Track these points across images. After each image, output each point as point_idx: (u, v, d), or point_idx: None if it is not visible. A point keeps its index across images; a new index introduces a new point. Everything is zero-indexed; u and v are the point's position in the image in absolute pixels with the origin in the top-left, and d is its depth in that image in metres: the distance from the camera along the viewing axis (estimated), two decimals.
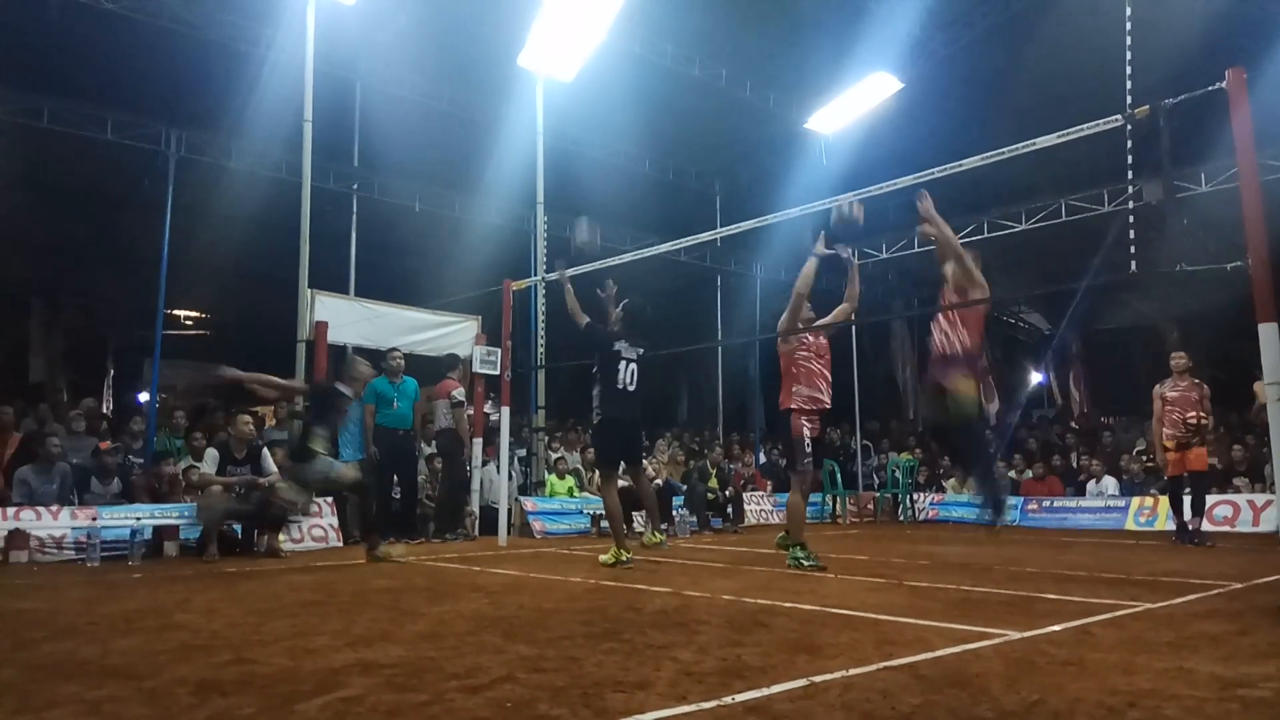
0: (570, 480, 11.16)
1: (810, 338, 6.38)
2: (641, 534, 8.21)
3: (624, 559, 6.23)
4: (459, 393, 9.32)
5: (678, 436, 14.78)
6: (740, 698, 2.44)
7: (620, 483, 6.88)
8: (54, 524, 7.06)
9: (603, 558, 6.35)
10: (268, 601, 4.51)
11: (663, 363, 6.47)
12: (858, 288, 6.65)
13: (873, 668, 2.80)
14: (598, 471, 9.38)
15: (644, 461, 8.22)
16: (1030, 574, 5.76)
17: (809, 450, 6.21)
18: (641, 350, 6.67)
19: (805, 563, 6.08)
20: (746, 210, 8.86)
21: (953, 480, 14.06)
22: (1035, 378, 21.56)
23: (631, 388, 6.55)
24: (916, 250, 14.91)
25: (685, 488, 11.44)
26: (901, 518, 13.41)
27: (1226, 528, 9.91)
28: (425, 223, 13.70)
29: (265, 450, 7.74)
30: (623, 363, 6.53)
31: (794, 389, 6.28)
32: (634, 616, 3.90)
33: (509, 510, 8.48)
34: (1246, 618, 3.82)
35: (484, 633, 3.49)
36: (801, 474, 6.31)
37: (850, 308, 6.69)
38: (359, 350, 10.26)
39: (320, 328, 9.26)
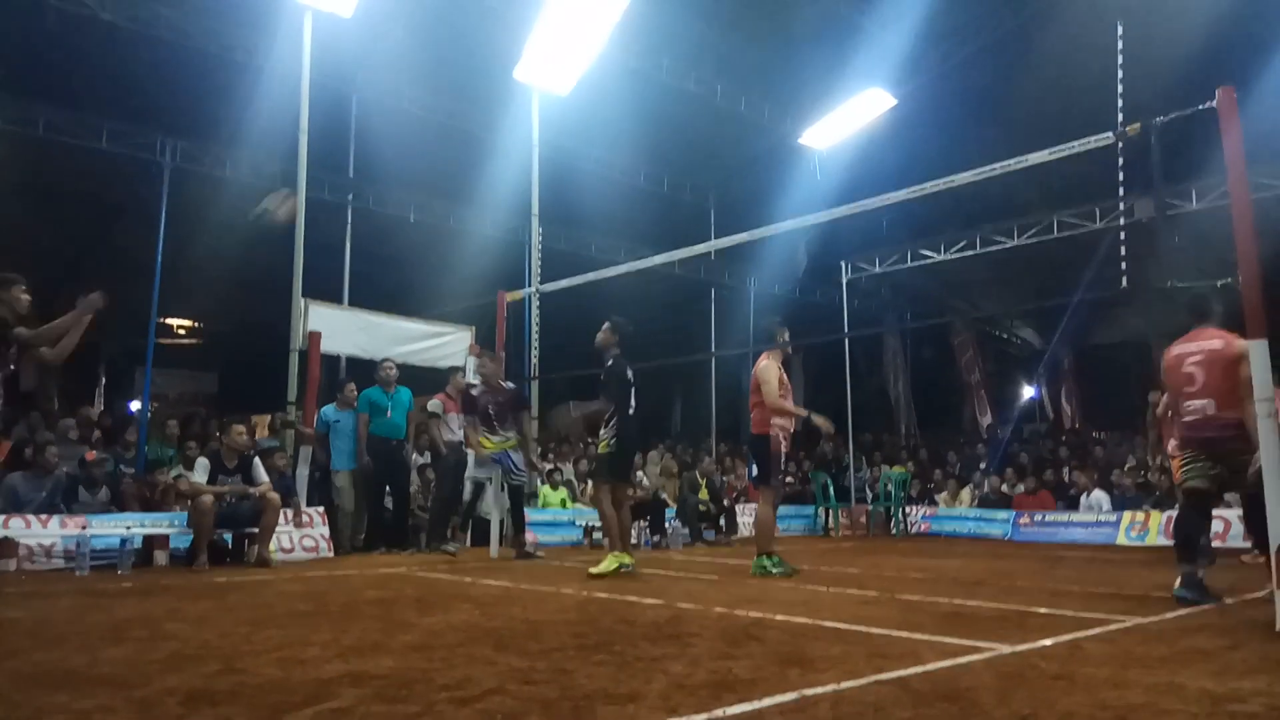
0: (563, 492, 11.14)
1: (788, 381, 6.79)
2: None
3: (626, 564, 6.36)
4: (434, 403, 9.27)
5: (670, 448, 14.77)
6: (731, 710, 2.43)
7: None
8: (43, 532, 7.01)
9: (595, 569, 6.33)
10: (258, 611, 4.48)
11: (656, 374, 6.57)
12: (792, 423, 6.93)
13: (864, 681, 2.80)
14: (592, 483, 9.43)
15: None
16: (1022, 588, 5.77)
17: (784, 467, 6.72)
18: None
19: (774, 570, 6.34)
20: (741, 224, 8.92)
21: (944, 494, 14.07)
22: (1027, 392, 21.64)
23: (634, 409, 6.73)
24: (909, 265, 14.99)
25: (676, 503, 11.44)
26: (894, 531, 13.42)
27: (1217, 543, 9.90)
28: (420, 233, 13.72)
29: (257, 459, 7.71)
30: (633, 389, 6.69)
31: (773, 420, 6.62)
32: (626, 629, 3.89)
33: (501, 521, 8.46)
34: (1237, 632, 3.83)
35: (475, 644, 3.48)
36: (775, 488, 6.73)
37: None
38: (352, 360, 10.27)
39: (314, 337, 9.25)
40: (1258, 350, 3.98)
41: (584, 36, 11.35)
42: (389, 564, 7.51)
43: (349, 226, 12.74)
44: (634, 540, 10.33)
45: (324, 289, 10.50)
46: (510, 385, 8.51)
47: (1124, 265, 10.77)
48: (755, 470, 7.50)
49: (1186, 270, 11.50)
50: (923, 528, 13.48)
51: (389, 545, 8.67)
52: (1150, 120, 4.58)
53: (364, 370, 9.80)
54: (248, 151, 11.59)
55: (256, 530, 7.46)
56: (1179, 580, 4.93)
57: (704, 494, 11.66)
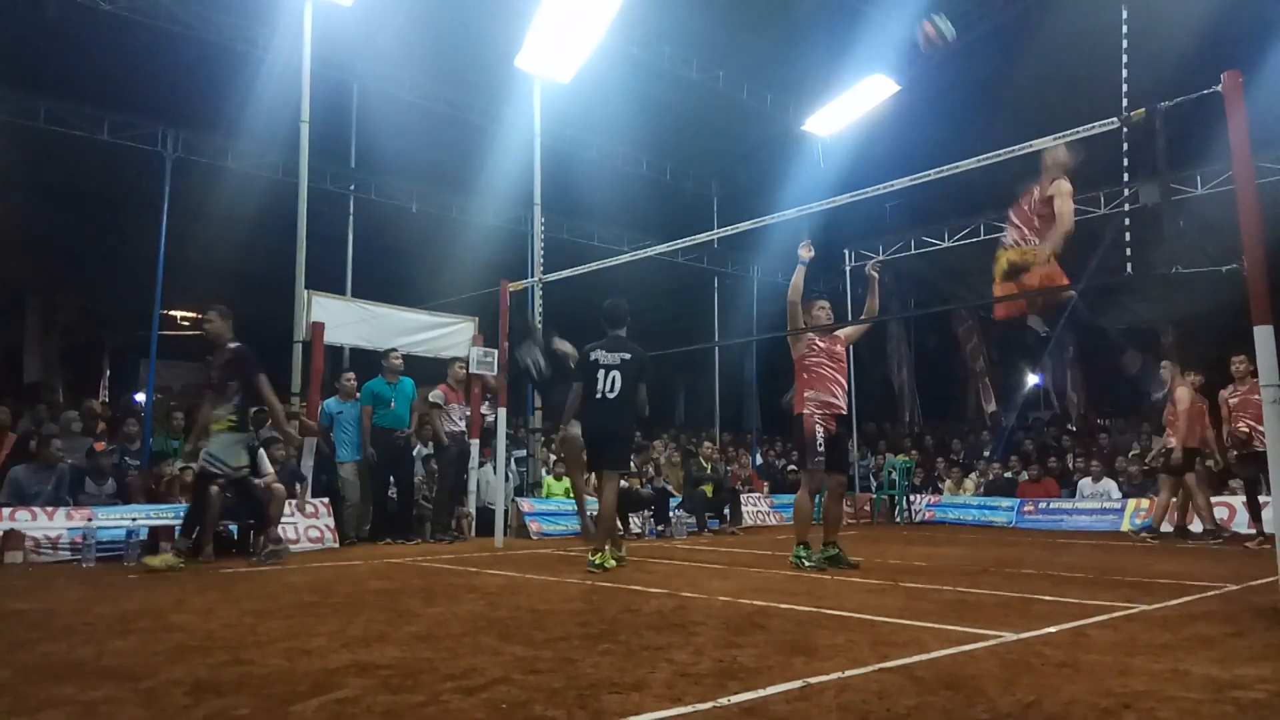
0: (567, 482, 11.15)
1: (821, 342, 6.31)
2: (623, 535, 8.22)
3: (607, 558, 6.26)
4: (435, 394, 9.34)
5: (674, 438, 14.78)
6: (736, 699, 2.44)
7: (623, 484, 6.93)
8: (49, 524, 7.04)
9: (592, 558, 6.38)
10: (264, 602, 4.50)
11: (659, 364, 6.52)
12: (876, 302, 6.76)
13: (868, 669, 2.80)
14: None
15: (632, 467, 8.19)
16: (1026, 575, 5.77)
17: (821, 450, 6.12)
18: (627, 355, 6.37)
19: (806, 563, 6.09)
20: (744, 212, 8.86)
21: (948, 482, 14.07)
22: (1032, 380, 21.60)
23: (611, 395, 6.29)
24: (914, 252, 14.95)
25: (682, 496, 11.46)
26: (898, 519, 13.43)
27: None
28: (422, 224, 13.70)
29: (262, 450, 7.71)
30: (601, 370, 6.33)
31: (805, 394, 6.22)
32: (630, 618, 3.90)
33: (506, 511, 8.47)
34: (1242, 619, 3.83)
35: (480, 634, 3.49)
36: (811, 472, 6.25)
37: (865, 322, 6.96)
38: (355, 351, 10.29)
39: (317, 328, 9.26)
40: (1262, 336, 3.97)
41: (585, 24, 11.28)
42: (394, 554, 7.53)
43: (351, 217, 12.72)
44: (638, 530, 10.43)
45: (327, 280, 10.48)
46: (234, 346, 6.77)
47: (1128, 251, 10.71)
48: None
49: (1192, 256, 11.43)
50: (927, 516, 13.49)
51: (394, 536, 8.70)
52: (1155, 105, 4.54)
53: (367, 361, 9.81)
54: (249, 142, 11.56)
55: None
56: None
57: (709, 470, 11.67)
